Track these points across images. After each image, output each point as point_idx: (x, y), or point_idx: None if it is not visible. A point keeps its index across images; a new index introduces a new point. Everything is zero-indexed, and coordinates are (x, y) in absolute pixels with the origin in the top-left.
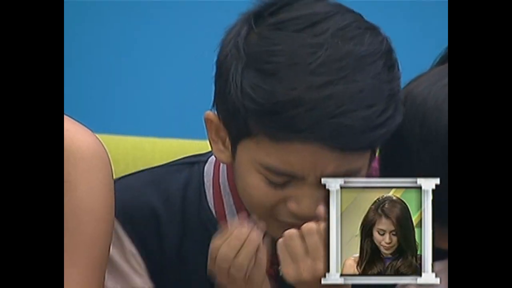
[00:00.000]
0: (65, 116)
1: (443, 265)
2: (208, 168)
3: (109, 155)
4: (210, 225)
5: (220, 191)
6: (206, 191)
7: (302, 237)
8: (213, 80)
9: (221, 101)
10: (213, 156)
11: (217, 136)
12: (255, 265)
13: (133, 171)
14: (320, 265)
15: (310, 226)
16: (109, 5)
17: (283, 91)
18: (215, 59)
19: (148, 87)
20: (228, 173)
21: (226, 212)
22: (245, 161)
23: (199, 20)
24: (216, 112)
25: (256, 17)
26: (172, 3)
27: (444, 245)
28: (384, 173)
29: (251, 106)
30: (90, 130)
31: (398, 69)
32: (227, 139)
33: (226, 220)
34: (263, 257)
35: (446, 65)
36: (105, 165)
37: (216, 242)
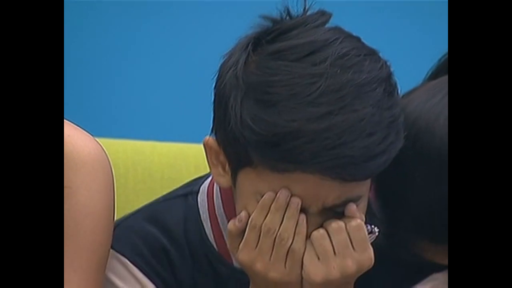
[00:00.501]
0: (65, 121)
1: (443, 277)
2: (202, 198)
3: (109, 159)
4: (213, 258)
5: (218, 224)
6: (204, 224)
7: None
8: (212, 91)
9: (221, 129)
10: (205, 184)
11: (217, 161)
12: (296, 233)
13: (133, 174)
14: (349, 263)
15: (339, 224)
16: (110, 7)
17: (283, 122)
18: (217, 65)
19: (148, 91)
20: (223, 203)
21: (231, 251)
22: (246, 189)
23: (200, 23)
24: (215, 138)
25: (255, 45)
26: (175, 5)
27: (440, 260)
28: (378, 195)
29: (252, 137)
30: (90, 134)
31: (398, 93)
32: (227, 165)
33: (228, 253)
34: (303, 223)
35: (438, 80)
36: (105, 170)
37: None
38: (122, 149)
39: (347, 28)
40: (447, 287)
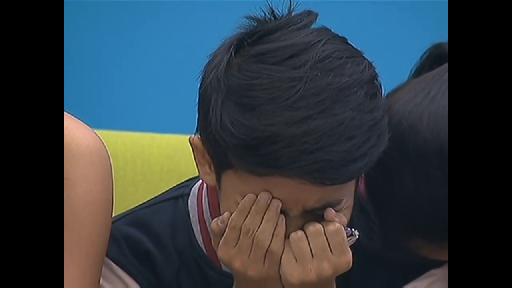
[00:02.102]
0: (64, 113)
1: (440, 272)
2: (192, 201)
3: (108, 151)
4: (202, 262)
5: (207, 227)
6: (194, 227)
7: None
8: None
9: (203, 130)
10: (195, 187)
11: (203, 159)
12: (274, 234)
13: (132, 166)
14: (326, 266)
15: (317, 227)
16: (110, 2)
17: (262, 126)
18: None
19: (147, 83)
20: (210, 207)
21: (215, 248)
22: (228, 191)
23: (198, 15)
24: (200, 137)
25: (237, 46)
26: None
27: (436, 256)
28: (368, 196)
29: (231, 141)
30: (90, 126)
31: (381, 95)
32: (212, 165)
33: (217, 257)
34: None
35: (420, 78)
36: (104, 162)
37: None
38: (121, 141)
39: (337, 27)
40: (445, 282)
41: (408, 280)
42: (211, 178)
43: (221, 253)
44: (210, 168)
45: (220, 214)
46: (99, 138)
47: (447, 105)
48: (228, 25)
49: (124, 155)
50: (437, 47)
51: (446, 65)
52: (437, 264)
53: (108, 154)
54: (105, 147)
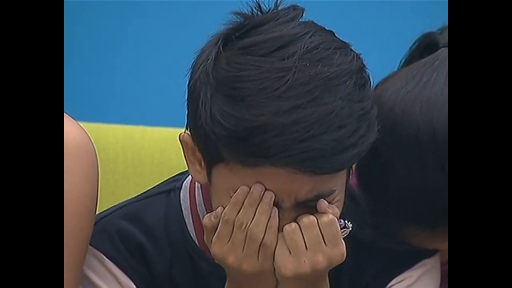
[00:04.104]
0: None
1: (432, 262)
2: (184, 195)
3: (99, 144)
4: (194, 254)
5: (200, 220)
6: (186, 220)
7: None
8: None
9: (193, 125)
10: (187, 180)
11: (193, 157)
12: (268, 227)
13: (123, 159)
14: (320, 258)
15: (311, 219)
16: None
17: (251, 117)
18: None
19: (138, 76)
20: (204, 199)
21: (208, 244)
22: (220, 185)
23: (188, 11)
24: (190, 134)
25: (225, 41)
26: None
27: (428, 245)
28: (361, 184)
29: (221, 132)
30: (81, 119)
31: (370, 86)
32: (203, 161)
33: (209, 249)
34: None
35: (411, 66)
36: (90, 157)
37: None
38: (112, 134)
39: (325, 24)
40: (437, 271)
41: (401, 270)
42: (201, 176)
43: (215, 248)
44: (200, 165)
45: (213, 209)
46: (86, 134)
47: (439, 92)
48: (217, 22)
49: (115, 148)
50: (427, 36)
51: (437, 53)
52: (429, 254)
53: (95, 150)
54: (92, 143)
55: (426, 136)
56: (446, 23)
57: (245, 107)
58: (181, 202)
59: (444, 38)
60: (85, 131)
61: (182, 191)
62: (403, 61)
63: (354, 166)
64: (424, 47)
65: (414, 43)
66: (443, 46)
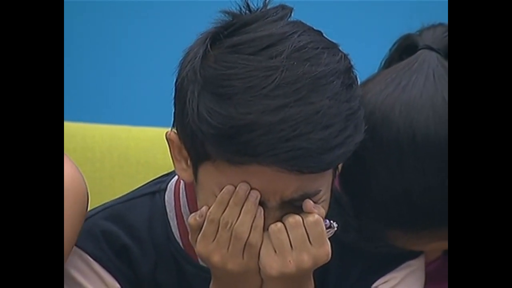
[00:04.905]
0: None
1: (417, 263)
2: (169, 196)
3: (85, 143)
4: (179, 256)
5: (184, 222)
6: (171, 222)
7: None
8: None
9: (180, 124)
10: (172, 182)
11: (180, 155)
12: (253, 226)
13: (109, 159)
14: (305, 257)
15: (296, 219)
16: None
17: (239, 115)
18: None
19: (124, 76)
20: (188, 201)
21: (192, 244)
22: (206, 184)
23: (175, 11)
24: (176, 133)
25: (213, 39)
26: None
27: (412, 247)
28: (343, 188)
29: (208, 130)
30: (67, 119)
31: (357, 86)
32: (189, 160)
33: (194, 252)
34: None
35: (391, 68)
36: (80, 198)
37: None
38: (98, 134)
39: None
40: (421, 272)
41: (385, 271)
42: (187, 174)
43: (200, 247)
44: (186, 163)
45: (198, 208)
46: (79, 173)
47: (418, 94)
48: (205, 20)
49: (101, 147)
50: (405, 38)
51: (416, 55)
52: (413, 255)
53: (87, 190)
54: (84, 182)
55: (406, 139)
56: (425, 24)
57: (232, 105)
58: (166, 204)
59: (423, 40)
60: (79, 171)
61: (167, 192)
62: (382, 63)
63: (340, 166)
64: (403, 49)
65: (394, 45)
66: (422, 48)
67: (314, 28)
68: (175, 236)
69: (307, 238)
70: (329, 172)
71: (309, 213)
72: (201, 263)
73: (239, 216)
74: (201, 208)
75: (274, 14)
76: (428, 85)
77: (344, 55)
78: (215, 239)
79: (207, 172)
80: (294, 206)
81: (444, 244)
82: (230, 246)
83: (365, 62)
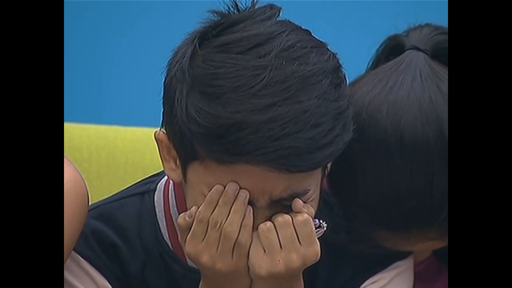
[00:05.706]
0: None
1: (406, 263)
2: (158, 197)
3: (73, 143)
4: (167, 257)
5: (173, 223)
6: (160, 223)
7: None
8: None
9: (169, 123)
10: (161, 182)
11: (168, 155)
12: (242, 226)
13: (97, 159)
14: (294, 257)
15: (285, 218)
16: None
17: (227, 114)
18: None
19: (111, 76)
20: (176, 202)
21: (182, 244)
22: (195, 184)
23: (163, 11)
24: (165, 133)
25: (202, 38)
26: None
27: (400, 248)
28: (332, 189)
29: (196, 130)
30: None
31: (346, 86)
32: (178, 160)
33: (183, 252)
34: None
35: (378, 69)
36: (81, 201)
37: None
38: (85, 134)
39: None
40: (410, 273)
41: (374, 272)
42: (176, 174)
43: (189, 247)
44: (175, 163)
45: (187, 209)
46: (80, 176)
47: (406, 95)
48: (193, 20)
49: (88, 148)
50: (392, 38)
51: (403, 55)
52: (402, 256)
53: (87, 192)
54: (85, 186)
55: (393, 140)
56: (411, 25)
57: (220, 104)
58: (155, 204)
59: (409, 40)
60: (80, 174)
61: (156, 193)
62: (369, 64)
63: (329, 165)
64: (390, 49)
65: (380, 45)
66: (409, 48)
67: (302, 27)
68: (164, 237)
69: (296, 238)
70: (318, 171)
71: (298, 212)
72: (189, 264)
73: (228, 216)
74: (190, 208)
75: (262, 13)
76: (415, 86)
77: (333, 54)
78: (204, 239)
79: (196, 172)
80: (283, 205)
81: (432, 244)
82: (219, 246)
83: (354, 61)
